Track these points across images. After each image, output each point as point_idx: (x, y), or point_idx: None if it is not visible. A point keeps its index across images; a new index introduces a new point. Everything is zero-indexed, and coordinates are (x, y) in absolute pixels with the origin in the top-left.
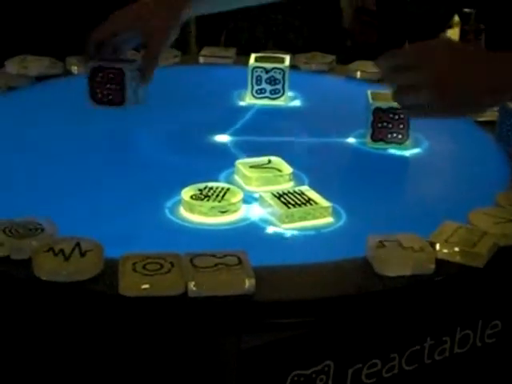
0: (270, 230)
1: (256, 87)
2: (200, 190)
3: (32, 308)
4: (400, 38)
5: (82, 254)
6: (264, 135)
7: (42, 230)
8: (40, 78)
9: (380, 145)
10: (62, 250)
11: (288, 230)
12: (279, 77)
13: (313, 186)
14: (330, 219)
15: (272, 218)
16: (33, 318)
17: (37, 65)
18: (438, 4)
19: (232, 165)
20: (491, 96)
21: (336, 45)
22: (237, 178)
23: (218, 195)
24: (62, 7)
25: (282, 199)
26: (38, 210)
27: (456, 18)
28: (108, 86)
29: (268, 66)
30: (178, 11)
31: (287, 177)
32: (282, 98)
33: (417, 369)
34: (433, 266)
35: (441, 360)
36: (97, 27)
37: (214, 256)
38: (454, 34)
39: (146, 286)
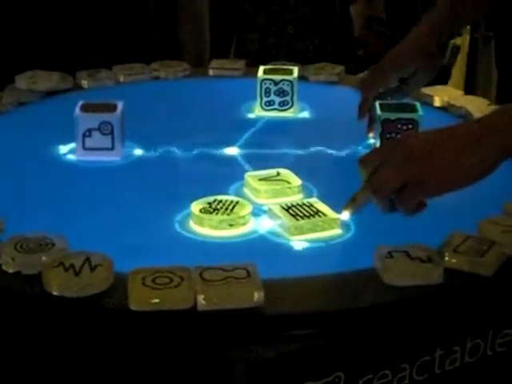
0: (279, 242)
1: (265, 99)
2: (209, 203)
3: (42, 323)
4: None
5: (92, 269)
6: (273, 147)
7: (53, 245)
8: (50, 93)
9: None
10: (72, 265)
11: (297, 242)
12: (288, 89)
13: (321, 198)
14: (338, 231)
15: (281, 231)
16: (43, 333)
17: (46, 80)
18: None
19: (241, 177)
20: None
21: (347, 55)
22: (246, 190)
23: (227, 208)
24: (72, 22)
25: (291, 211)
26: (49, 225)
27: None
28: None
29: (276, 78)
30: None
31: (296, 189)
32: (291, 110)
33: (427, 379)
34: (441, 276)
35: (451, 370)
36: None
37: (223, 269)
38: (463, 41)
39: (156, 300)
